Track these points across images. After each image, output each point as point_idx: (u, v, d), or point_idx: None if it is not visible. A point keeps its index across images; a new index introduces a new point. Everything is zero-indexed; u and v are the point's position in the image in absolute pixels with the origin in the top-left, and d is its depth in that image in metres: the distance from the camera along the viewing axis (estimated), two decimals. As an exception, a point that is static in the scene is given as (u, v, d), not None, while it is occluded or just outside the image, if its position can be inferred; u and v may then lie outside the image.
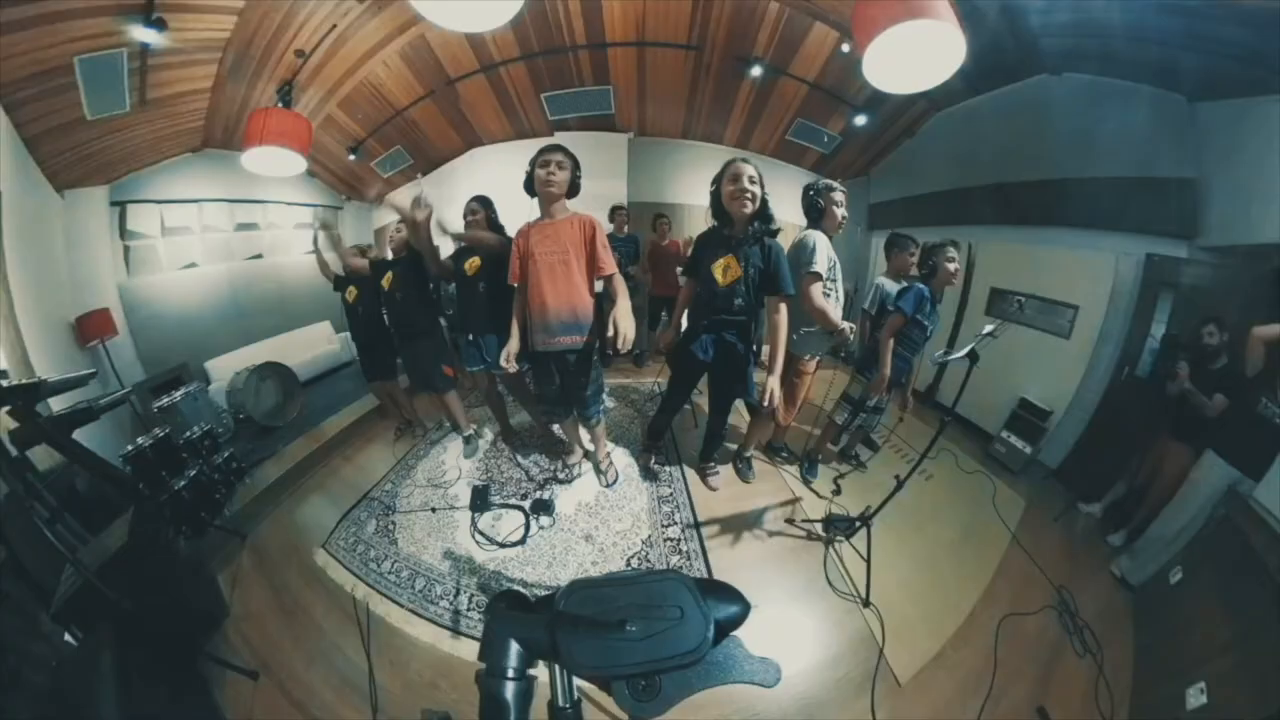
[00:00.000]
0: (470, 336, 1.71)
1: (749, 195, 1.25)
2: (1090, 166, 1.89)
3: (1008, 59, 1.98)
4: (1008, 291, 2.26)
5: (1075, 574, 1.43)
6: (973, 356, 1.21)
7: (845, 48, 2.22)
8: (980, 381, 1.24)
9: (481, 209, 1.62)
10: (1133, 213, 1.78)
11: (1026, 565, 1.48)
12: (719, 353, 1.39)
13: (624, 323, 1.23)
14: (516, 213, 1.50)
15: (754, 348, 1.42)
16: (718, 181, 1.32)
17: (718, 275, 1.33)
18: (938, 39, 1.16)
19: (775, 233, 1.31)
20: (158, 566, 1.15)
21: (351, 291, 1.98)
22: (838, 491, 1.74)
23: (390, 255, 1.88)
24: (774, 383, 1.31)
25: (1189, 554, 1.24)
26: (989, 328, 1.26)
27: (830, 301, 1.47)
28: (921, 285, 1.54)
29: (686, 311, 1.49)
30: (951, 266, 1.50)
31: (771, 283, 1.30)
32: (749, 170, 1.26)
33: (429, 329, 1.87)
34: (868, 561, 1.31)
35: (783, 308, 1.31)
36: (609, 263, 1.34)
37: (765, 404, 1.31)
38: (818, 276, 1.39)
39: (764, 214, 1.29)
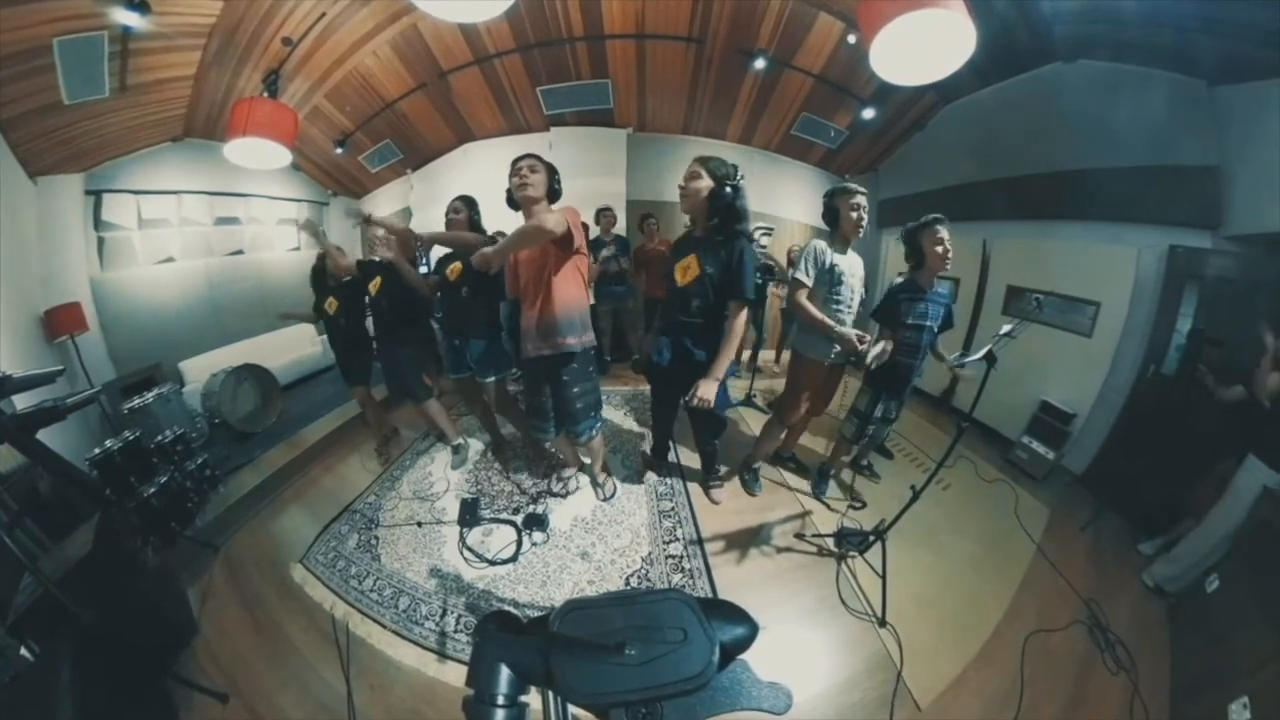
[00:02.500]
0: (455, 342, 1.72)
1: (685, 192, 1.27)
2: (1108, 156, 1.90)
3: (1019, 48, 2.00)
4: (1025, 289, 2.27)
5: (1105, 586, 1.42)
6: (990, 358, 1.20)
7: (851, 39, 2.25)
8: (999, 385, 1.23)
9: (465, 208, 1.64)
10: (1153, 203, 1.79)
11: (1053, 578, 1.46)
12: (675, 357, 1.38)
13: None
14: (508, 213, 1.51)
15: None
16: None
17: (676, 275, 1.35)
18: (947, 28, 1.16)
19: (743, 234, 1.29)
20: (123, 578, 1.13)
21: (332, 303, 1.96)
22: (854, 506, 1.71)
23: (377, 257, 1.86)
24: (704, 387, 1.26)
25: (1225, 560, 1.23)
26: (1006, 328, 1.25)
27: (838, 310, 1.47)
28: (898, 280, 1.53)
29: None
30: (939, 249, 1.40)
31: (728, 286, 1.28)
32: (694, 167, 1.27)
33: (413, 336, 1.87)
34: (883, 578, 1.28)
35: (741, 315, 1.28)
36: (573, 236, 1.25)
37: (688, 400, 1.29)
38: (798, 283, 1.42)
39: (723, 209, 1.24)
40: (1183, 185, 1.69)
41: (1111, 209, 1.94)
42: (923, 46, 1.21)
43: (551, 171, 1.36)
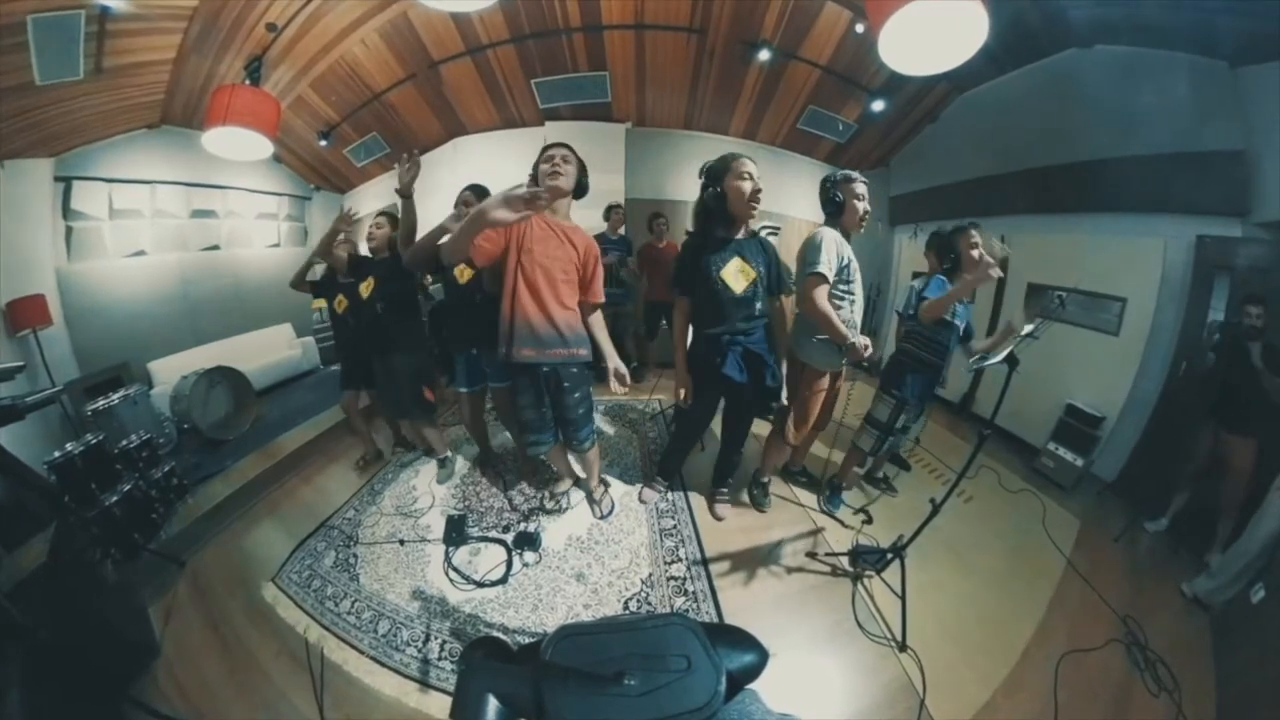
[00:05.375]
0: (474, 351, 1.68)
1: (760, 199, 1.28)
2: (1129, 144, 1.91)
3: (1034, 34, 2.04)
4: (1047, 287, 2.27)
5: (1142, 600, 1.40)
6: (1011, 361, 1.18)
7: (859, 28, 2.29)
8: (1022, 388, 1.23)
9: (476, 200, 1.60)
10: (1178, 192, 1.79)
11: (1086, 594, 1.44)
12: (751, 368, 1.38)
13: (618, 364, 1.36)
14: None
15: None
16: (717, 178, 1.31)
17: (732, 282, 1.32)
18: (958, 15, 1.18)
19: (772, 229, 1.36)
20: (80, 592, 1.10)
21: (341, 301, 1.90)
22: (868, 520, 1.69)
23: (370, 253, 1.81)
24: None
25: (1271, 568, 1.21)
26: (1028, 328, 1.25)
27: (843, 307, 1.45)
28: (942, 277, 1.53)
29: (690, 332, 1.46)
30: (975, 253, 1.45)
31: (777, 282, 1.38)
32: (757, 170, 1.29)
33: (411, 345, 1.81)
34: (902, 598, 1.26)
35: (783, 303, 1.40)
36: (600, 293, 1.40)
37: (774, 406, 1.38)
38: (821, 278, 1.34)
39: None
40: (1208, 172, 1.70)
41: (1134, 199, 1.95)
42: (933, 35, 1.22)
43: (583, 167, 1.37)
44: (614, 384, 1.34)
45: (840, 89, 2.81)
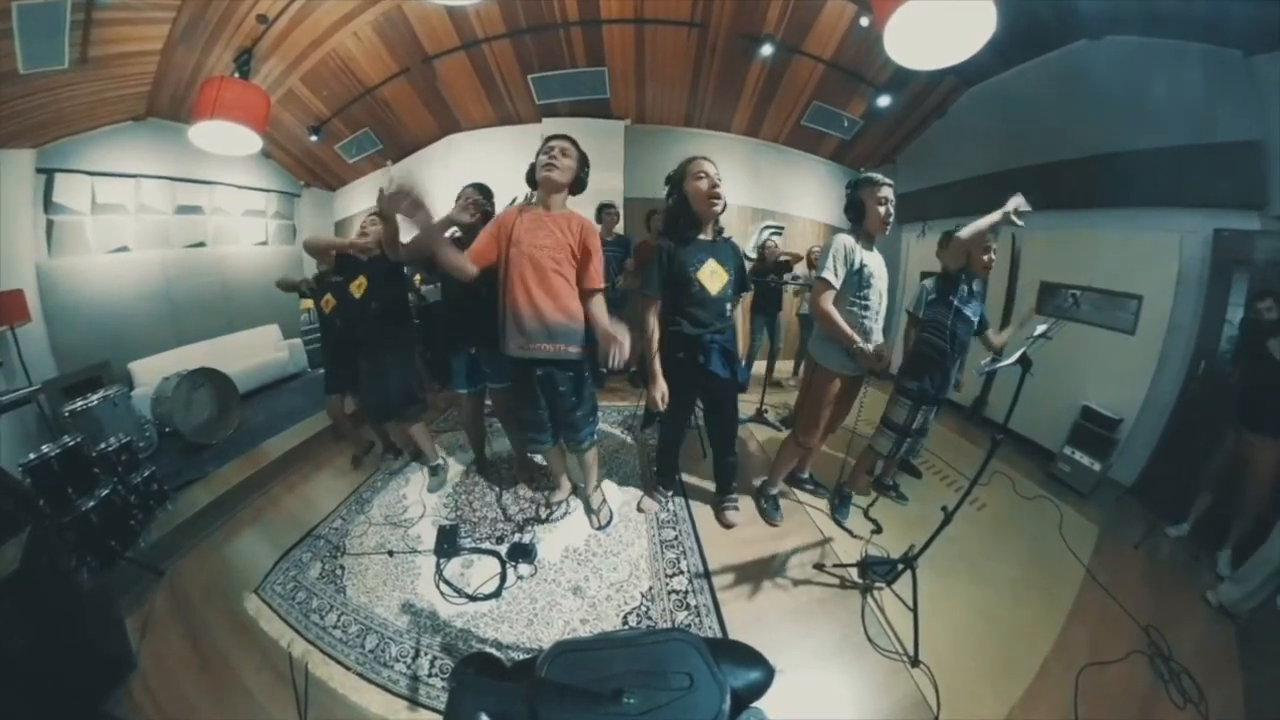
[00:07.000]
0: (473, 350, 1.68)
1: (720, 194, 1.34)
2: (1142, 137, 1.92)
3: (1043, 25, 2.06)
4: (1060, 285, 2.28)
5: (1165, 609, 1.39)
6: (1024, 362, 1.18)
7: (864, 21, 2.32)
8: (1035, 391, 1.22)
9: (478, 195, 1.61)
10: (1194, 185, 1.80)
11: (1106, 603, 1.43)
12: (730, 365, 1.46)
13: (619, 331, 1.24)
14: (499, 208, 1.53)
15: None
16: (678, 183, 1.39)
17: (708, 284, 1.40)
18: (966, 8, 1.19)
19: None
20: (54, 601, 1.09)
21: (329, 301, 1.92)
22: (877, 530, 1.68)
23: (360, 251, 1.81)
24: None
25: None
26: (1041, 328, 1.24)
27: (867, 316, 1.47)
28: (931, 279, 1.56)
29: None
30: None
31: (741, 283, 1.47)
32: (714, 168, 1.35)
33: (402, 345, 1.82)
34: (914, 611, 1.25)
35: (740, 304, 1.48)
36: (599, 277, 1.38)
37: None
38: (825, 283, 1.42)
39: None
40: (1224, 163, 1.71)
41: (1149, 193, 1.96)
42: (940, 28, 1.24)
43: (583, 160, 1.38)
44: (613, 360, 1.20)
45: (845, 84, 2.84)
